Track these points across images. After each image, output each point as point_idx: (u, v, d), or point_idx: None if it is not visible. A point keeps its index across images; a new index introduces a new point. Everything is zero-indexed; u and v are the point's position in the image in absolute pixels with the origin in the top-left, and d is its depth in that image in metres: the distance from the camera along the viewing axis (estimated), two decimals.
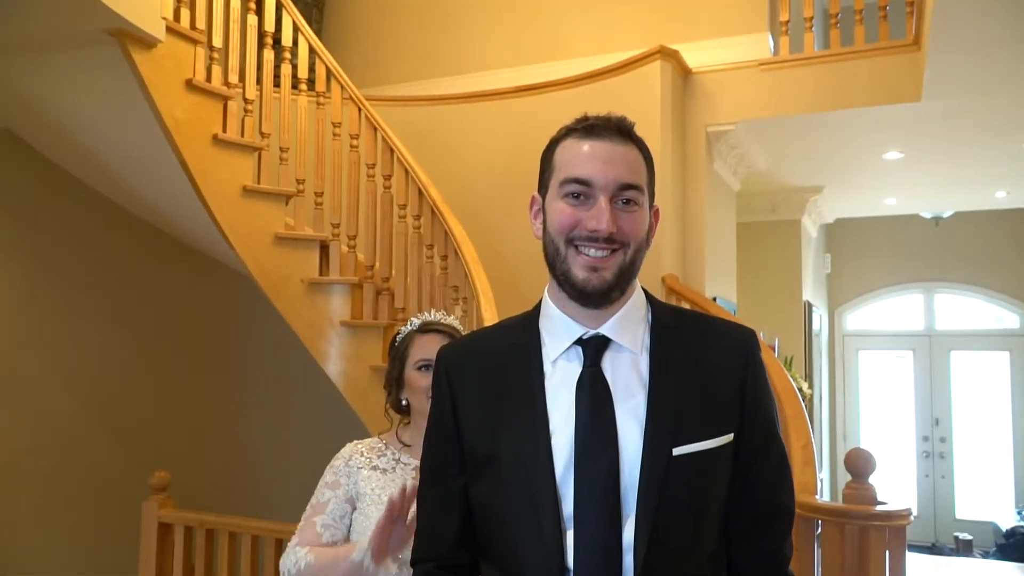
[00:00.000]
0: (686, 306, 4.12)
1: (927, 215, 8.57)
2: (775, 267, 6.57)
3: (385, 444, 1.79)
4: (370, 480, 1.71)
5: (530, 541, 1.04)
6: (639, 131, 1.16)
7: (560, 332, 1.12)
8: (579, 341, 1.11)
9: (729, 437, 1.08)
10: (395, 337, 1.82)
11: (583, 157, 1.10)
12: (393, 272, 3.92)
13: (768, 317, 6.17)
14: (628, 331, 1.11)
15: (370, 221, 3.98)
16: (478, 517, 1.14)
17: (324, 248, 3.95)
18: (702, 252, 4.68)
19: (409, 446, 1.77)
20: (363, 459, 1.75)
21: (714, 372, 1.10)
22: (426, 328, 1.78)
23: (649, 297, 1.18)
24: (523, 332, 1.16)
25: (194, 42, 3.51)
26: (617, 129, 1.11)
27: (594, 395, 1.07)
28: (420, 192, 3.88)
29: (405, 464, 1.75)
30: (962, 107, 4.45)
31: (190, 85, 3.49)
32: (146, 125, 3.41)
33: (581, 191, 1.09)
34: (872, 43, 4.47)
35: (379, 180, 3.96)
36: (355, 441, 1.81)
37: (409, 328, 1.80)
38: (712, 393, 1.09)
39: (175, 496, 3.68)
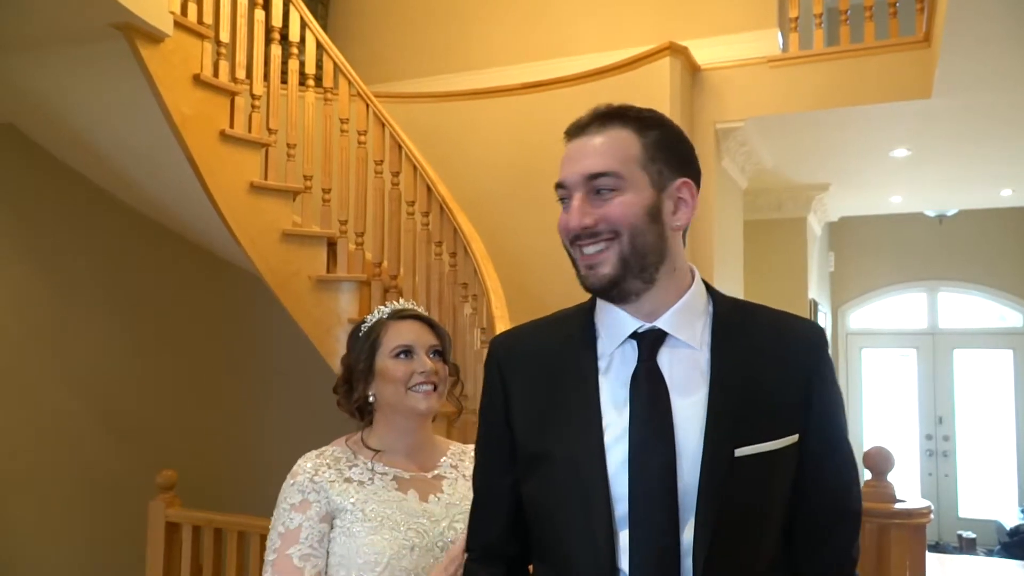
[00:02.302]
0: None
1: (931, 213, 8.55)
2: (780, 265, 6.54)
3: (353, 452, 1.55)
4: (347, 493, 1.47)
5: (581, 540, 1.02)
6: None
7: (615, 326, 1.09)
8: (634, 335, 1.07)
9: (794, 438, 1.04)
10: (358, 327, 1.61)
11: (563, 162, 1.11)
12: (401, 269, 3.89)
13: None
14: (686, 325, 1.07)
15: (378, 218, 3.95)
16: (529, 513, 1.11)
17: (331, 245, 3.92)
18: (711, 250, 4.65)
19: (379, 451, 1.55)
20: (331, 471, 1.49)
21: (779, 369, 1.05)
22: (401, 315, 1.59)
23: (710, 290, 1.13)
24: (577, 325, 1.13)
25: (201, 37, 3.47)
26: (597, 118, 1.08)
27: (649, 390, 1.03)
28: (428, 189, 3.85)
29: (382, 475, 1.52)
30: (972, 104, 4.42)
31: (197, 80, 3.45)
32: (153, 121, 3.37)
33: (563, 195, 1.11)
34: (882, 40, 4.44)
35: (387, 176, 3.93)
36: (312, 453, 1.54)
37: (377, 316, 1.60)
38: (777, 391, 1.05)
39: (182, 495, 3.65)
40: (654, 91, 4.40)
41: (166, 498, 3.58)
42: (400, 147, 3.91)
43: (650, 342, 1.06)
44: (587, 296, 1.13)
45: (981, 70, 3.90)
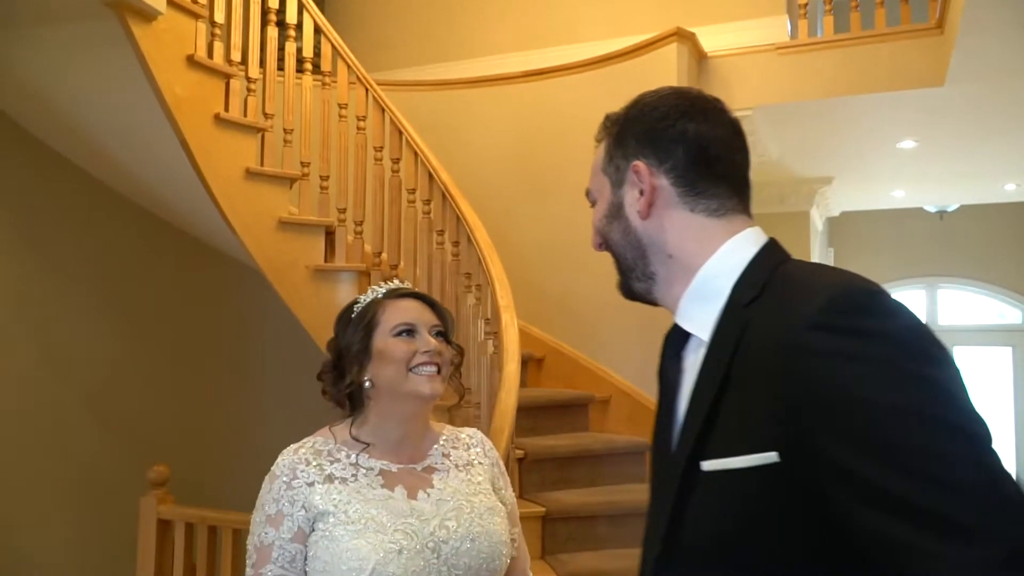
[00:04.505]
0: None
1: (932, 209, 8.49)
2: None
3: (336, 444, 1.41)
4: (329, 494, 1.34)
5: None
6: None
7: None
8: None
9: (769, 456, 0.77)
10: (349, 308, 1.48)
11: None
12: (402, 259, 3.78)
13: None
14: (695, 314, 0.92)
15: (377, 206, 3.85)
16: None
17: (330, 234, 3.81)
18: None
19: (369, 444, 1.41)
20: (312, 470, 1.36)
21: (760, 359, 0.80)
22: (399, 293, 1.47)
23: (754, 260, 0.90)
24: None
25: (195, 16, 3.35)
26: (599, 130, 1.04)
27: (660, 394, 0.97)
28: (430, 176, 3.75)
29: (367, 470, 1.38)
30: (985, 93, 4.34)
31: (191, 61, 3.34)
32: (146, 102, 3.25)
33: None
34: (893, 26, 4.35)
35: (387, 163, 3.82)
36: (292, 447, 1.41)
37: (372, 296, 1.47)
38: (753, 390, 0.81)
39: (175, 491, 3.53)
40: (660, 78, 4.30)
41: (158, 494, 3.46)
42: (400, 133, 3.80)
43: (672, 338, 0.98)
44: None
45: (997, 57, 3.82)
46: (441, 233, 3.72)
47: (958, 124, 4.95)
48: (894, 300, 0.78)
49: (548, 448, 3.71)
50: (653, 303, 1.00)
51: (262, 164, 3.67)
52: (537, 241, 4.64)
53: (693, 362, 0.91)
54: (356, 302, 1.49)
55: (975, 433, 0.71)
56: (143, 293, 4.64)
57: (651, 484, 0.96)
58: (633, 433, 4.14)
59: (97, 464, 4.30)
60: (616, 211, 0.98)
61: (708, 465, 0.82)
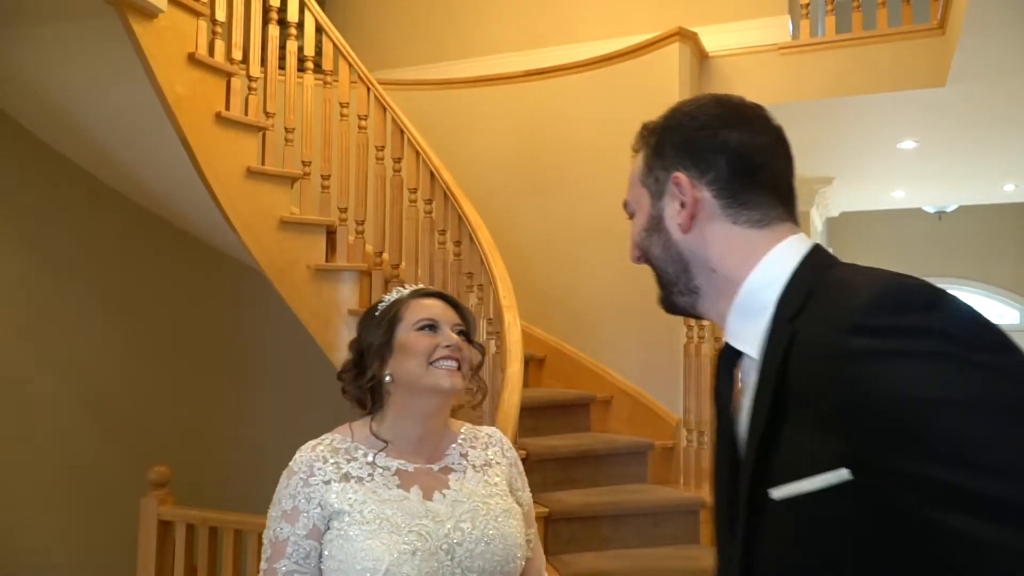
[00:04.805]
0: None
1: (930, 209, 8.51)
2: None
3: (353, 442, 1.42)
4: (345, 493, 1.34)
5: None
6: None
7: None
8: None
9: (840, 474, 0.72)
10: (373, 308, 1.51)
11: None
12: (403, 259, 3.76)
13: None
14: (743, 332, 0.88)
15: (379, 205, 3.83)
16: None
17: (331, 234, 3.80)
18: None
19: (387, 443, 1.41)
20: (328, 468, 1.37)
21: (810, 372, 0.76)
22: (423, 292, 1.51)
23: (797, 270, 0.85)
24: None
25: (196, 14, 3.33)
26: (636, 140, 1.01)
27: (716, 417, 0.92)
28: (432, 175, 3.73)
29: (384, 469, 1.38)
30: (987, 92, 4.33)
31: (192, 59, 3.32)
32: (146, 100, 3.23)
33: None
34: (895, 27, 4.35)
35: (388, 163, 3.81)
36: (310, 444, 1.42)
37: (396, 296, 1.51)
38: (808, 406, 0.77)
39: (175, 492, 3.51)
40: (662, 78, 4.30)
41: (158, 495, 3.43)
42: (402, 132, 3.79)
43: (724, 359, 0.93)
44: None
45: (1000, 57, 3.81)
46: (443, 233, 3.70)
47: (959, 124, 4.95)
48: (939, 292, 0.73)
49: (550, 448, 3.69)
50: (697, 317, 0.97)
51: (263, 163, 3.65)
52: (538, 241, 4.63)
53: (749, 382, 0.88)
54: (381, 301, 1.51)
55: None
56: (143, 293, 4.61)
57: (715, 517, 0.92)
58: (634, 433, 4.14)
59: (97, 465, 4.27)
60: (656, 224, 0.94)
61: (778, 493, 0.77)
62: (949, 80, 4.09)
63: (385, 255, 3.80)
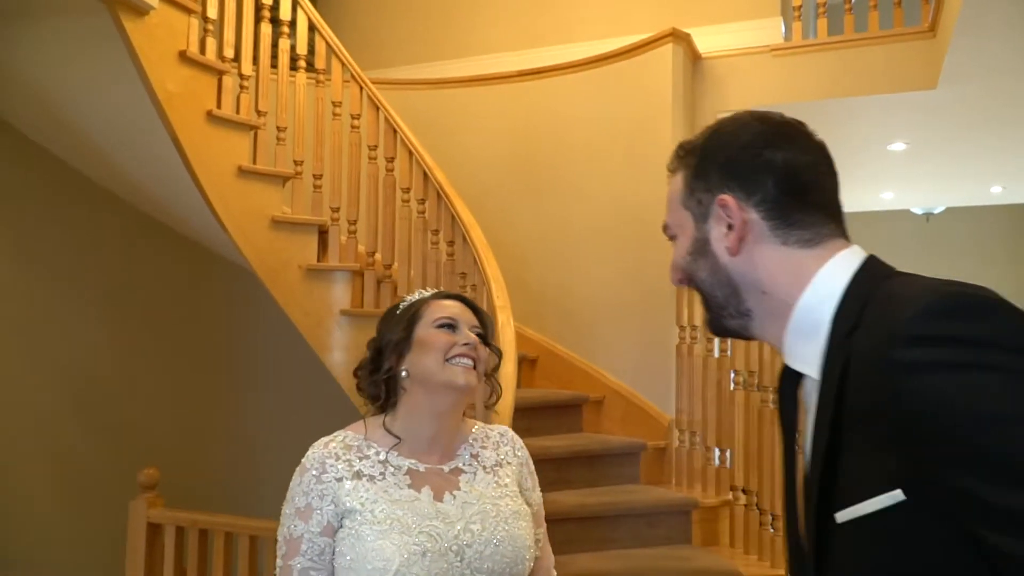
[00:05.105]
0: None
1: (918, 211, 8.56)
2: None
3: (366, 440, 1.43)
4: (357, 491, 1.35)
5: None
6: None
7: None
8: None
9: (895, 495, 0.72)
10: (395, 307, 1.54)
11: None
12: (396, 259, 3.74)
13: None
14: (801, 352, 0.86)
15: (371, 205, 3.81)
16: None
17: (323, 233, 3.77)
18: None
19: (400, 439, 1.43)
20: (341, 465, 1.38)
21: (864, 388, 0.76)
22: (444, 295, 1.54)
23: (850, 286, 0.84)
24: None
25: (188, 11, 3.31)
26: (672, 160, 0.99)
27: (783, 439, 0.91)
28: (425, 175, 3.71)
29: (395, 468, 1.39)
30: (977, 95, 4.36)
31: (183, 57, 3.29)
32: (137, 98, 3.20)
33: None
34: (886, 29, 4.37)
35: (381, 162, 3.79)
36: (323, 440, 1.43)
37: (419, 296, 1.53)
38: (864, 424, 0.76)
39: (165, 495, 3.47)
40: (656, 79, 4.30)
41: (148, 497, 3.40)
42: (395, 132, 3.77)
43: (786, 380, 0.91)
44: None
45: (992, 58, 3.84)
46: (436, 233, 3.69)
47: (948, 126, 4.98)
48: (995, 301, 0.72)
49: (544, 449, 3.68)
50: (748, 339, 0.95)
51: (255, 162, 3.63)
52: (531, 241, 4.62)
53: (811, 403, 0.87)
54: (402, 301, 1.55)
55: None
56: (134, 294, 4.58)
57: (786, 536, 0.91)
58: (627, 434, 4.13)
59: (86, 467, 4.23)
60: (702, 247, 0.92)
61: (841, 516, 0.77)
62: (940, 82, 4.11)
63: (378, 255, 3.78)
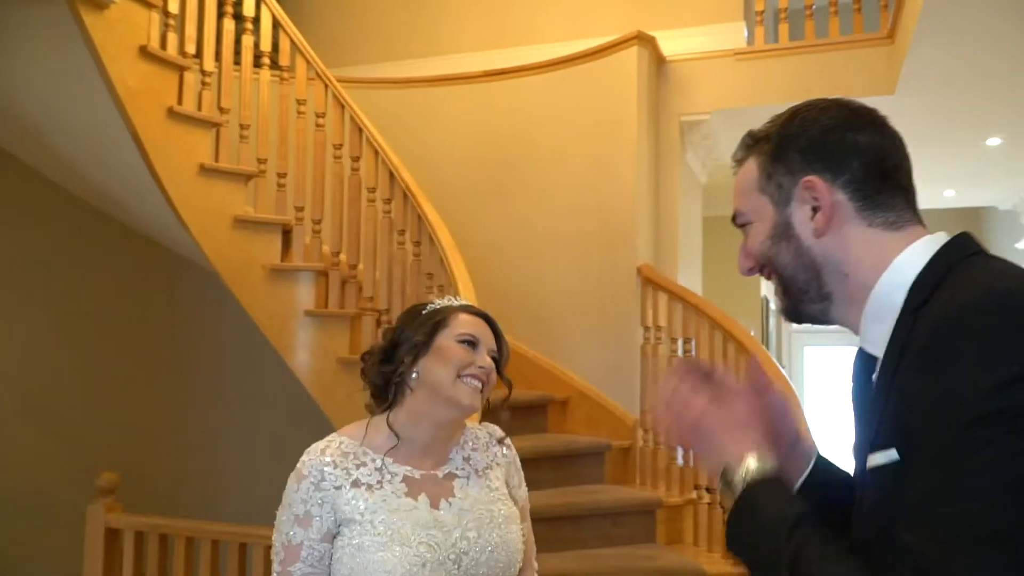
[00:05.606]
0: (665, 297, 4.01)
1: None
2: (736, 263, 6.53)
3: (362, 447, 1.42)
4: (355, 501, 1.36)
5: None
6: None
7: None
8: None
9: (890, 454, 0.80)
10: (422, 305, 1.54)
11: None
12: (361, 259, 3.71)
13: (729, 313, 6.14)
14: (876, 335, 0.88)
15: (336, 205, 3.77)
16: None
17: (287, 233, 3.73)
18: (676, 244, 4.60)
19: (398, 440, 1.42)
20: (339, 473, 1.37)
21: (911, 357, 0.80)
22: (471, 310, 1.53)
23: (928, 265, 0.85)
24: None
25: (149, 6, 3.26)
26: (736, 152, 1.00)
27: (855, 421, 0.93)
28: (391, 174, 3.69)
29: (392, 475, 1.40)
30: (934, 102, 4.46)
31: (144, 52, 3.24)
32: (96, 94, 3.14)
33: None
34: (847, 35, 4.45)
35: (347, 161, 3.75)
36: (318, 446, 1.41)
37: (448, 303, 1.53)
38: (900, 387, 0.81)
39: (124, 499, 3.40)
40: (621, 81, 4.32)
41: (106, 502, 3.32)
42: (360, 131, 3.74)
43: (859, 363, 0.93)
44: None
45: (949, 65, 3.93)
46: (402, 233, 3.66)
47: (905, 131, 4.99)
48: None
49: None
50: (826, 323, 0.96)
51: (217, 160, 3.58)
52: (497, 242, 4.61)
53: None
54: (430, 303, 1.54)
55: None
56: (90, 294, 4.48)
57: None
58: (592, 434, 4.15)
59: (40, 471, 4.13)
60: (784, 231, 0.93)
61: (869, 461, 0.83)
62: (898, 89, 4.20)
63: (343, 255, 3.74)
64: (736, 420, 0.93)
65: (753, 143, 0.97)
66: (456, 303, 1.54)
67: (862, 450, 0.86)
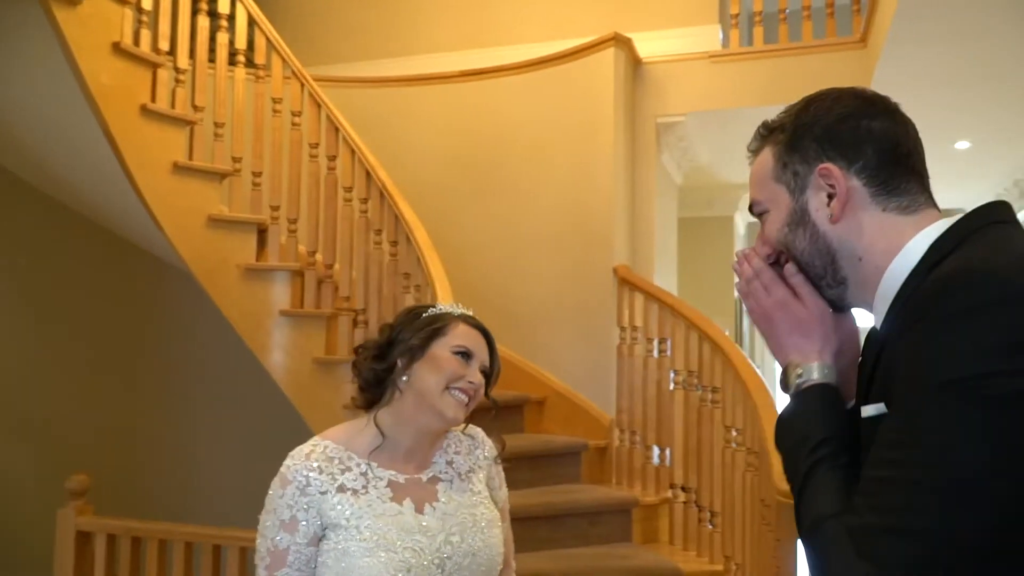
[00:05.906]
0: (642, 298, 4.04)
1: None
2: (710, 262, 6.60)
3: (347, 451, 1.41)
4: (341, 506, 1.36)
5: None
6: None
7: None
8: None
9: (879, 408, 0.84)
10: (424, 307, 1.53)
11: None
12: (338, 259, 3.69)
13: (704, 313, 6.19)
14: (880, 315, 0.92)
15: (312, 204, 3.75)
16: None
17: (262, 232, 3.70)
18: (652, 244, 4.62)
19: (383, 439, 1.42)
20: (324, 479, 1.37)
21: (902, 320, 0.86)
22: (471, 322, 1.51)
23: (935, 243, 0.88)
24: None
25: (122, 2, 3.22)
26: (752, 142, 1.02)
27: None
28: (368, 174, 3.67)
29: (376, 480, 1.40)
30: (905, 105, 4.46)
31: (117, 49, 3.20)
32: (68, 91, 3.11)
33: None
34: (820, 39, 4.51)
35: (323, 160, 3.73)
36: (302, 451, 1.40)
37: (449, 309, 1.51)
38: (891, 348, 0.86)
39: (95, 501, 3.35)
40: (597, 82, 4.34)
41: (77, 505, 3.27)
42: (337, 130, 3.72)
43: (869, 343, 0.95)
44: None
45: (920, 70, 4.00)
46: (379, 232, 3.65)
47: None
48: (1014, 287, 0.75)
49: None
50: (844, 309, 0.98)
51: (191, 158, 3.55)
52: (474, 242, 4.61)
53: None
54: (433, 306, 1.53)
55: (964, 479, 0.73)
56: (62, 293, 4.41)
57: None
58: (569, 433, 4.16)
59: (8, 473, 4.05)
60: (800, 217, 0.96)
61: (863, 412, 0.87)
62: None
63: (319, 255, 3.72)
64: (810, 322, 0.96)
65: (768, 133, 0.99)
66: (457, 311, 1.52)
67: (859, 402, 0.90)
